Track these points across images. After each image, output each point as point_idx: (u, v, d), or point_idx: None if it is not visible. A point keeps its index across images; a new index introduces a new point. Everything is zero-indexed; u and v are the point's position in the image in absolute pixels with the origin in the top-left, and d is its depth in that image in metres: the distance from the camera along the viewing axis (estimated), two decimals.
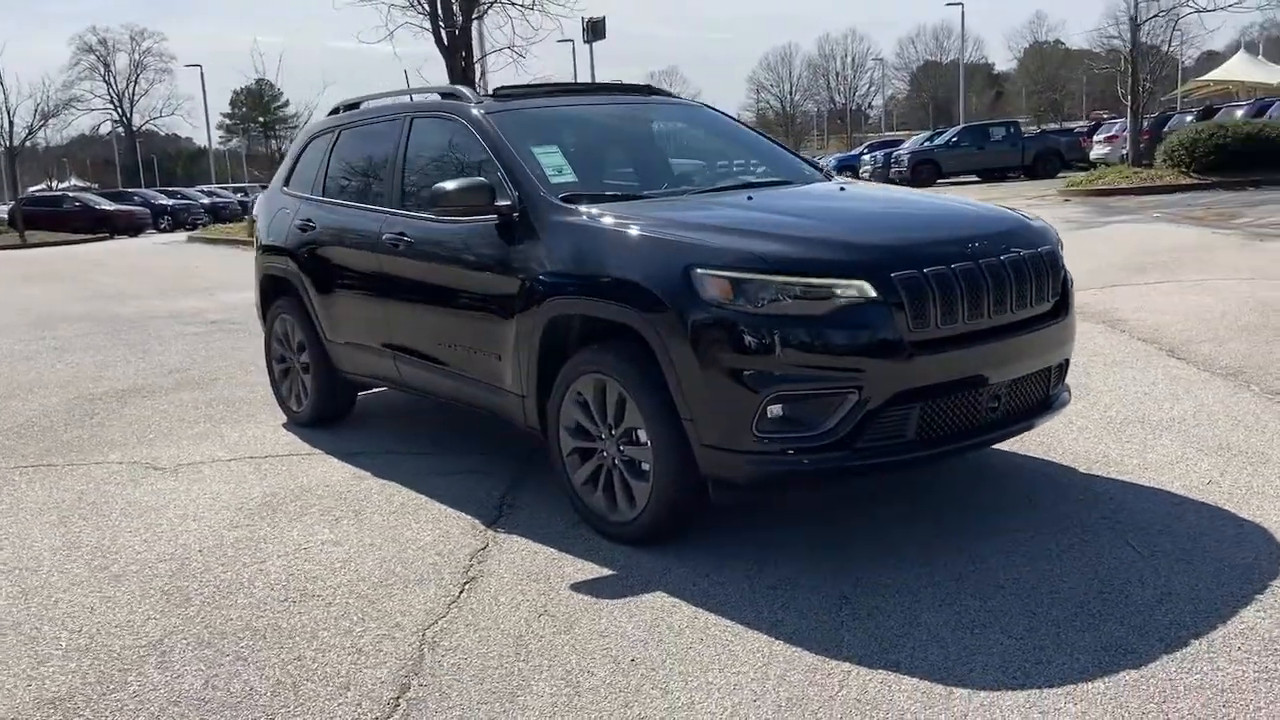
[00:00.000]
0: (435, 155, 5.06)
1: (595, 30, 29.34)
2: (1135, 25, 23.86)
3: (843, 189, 4.81)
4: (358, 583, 3.78)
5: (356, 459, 5.34)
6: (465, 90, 5.11)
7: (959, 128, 37.17)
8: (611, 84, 5.65)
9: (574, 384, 4.04)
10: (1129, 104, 24.24)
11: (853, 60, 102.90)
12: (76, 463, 5.58)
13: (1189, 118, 31.72)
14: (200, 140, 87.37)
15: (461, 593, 3.65)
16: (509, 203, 4.32)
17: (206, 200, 44.31)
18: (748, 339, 3.46)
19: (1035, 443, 4.78)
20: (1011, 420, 3.89)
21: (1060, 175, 30.65)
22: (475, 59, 16.94)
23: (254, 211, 6.62)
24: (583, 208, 4.17)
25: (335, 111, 6.18)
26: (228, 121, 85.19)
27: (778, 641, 3.15)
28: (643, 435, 3.82)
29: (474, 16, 16.40)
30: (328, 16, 79.84)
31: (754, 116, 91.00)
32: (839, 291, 3.46)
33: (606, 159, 4.92)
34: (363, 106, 5.98)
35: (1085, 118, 59.37)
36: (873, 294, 3.46)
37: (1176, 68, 48.19)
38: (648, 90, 5.69)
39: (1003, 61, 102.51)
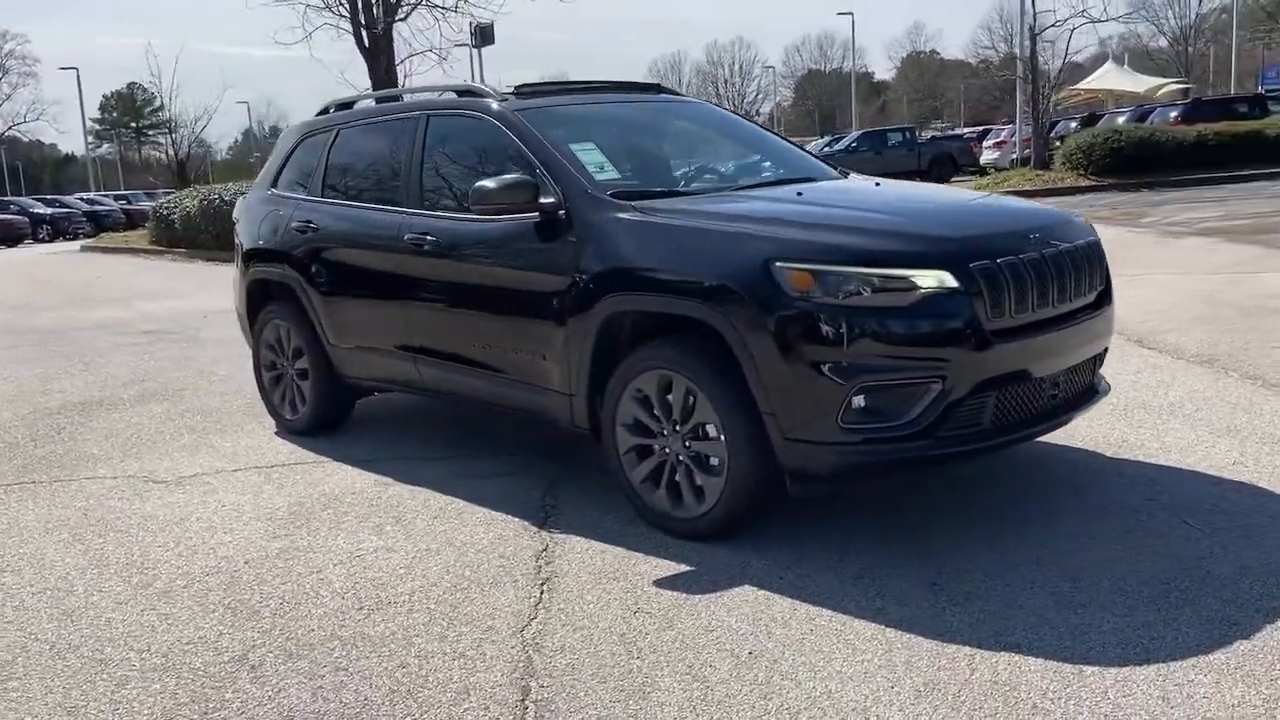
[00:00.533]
0: (460, 154, 4.97)
1: (484, 35, 29.17)
2: (1034, 35, 24.81)
3: (878, 184, 4.88)
4: (430, 588, 3.68)
5: (372, 465, 5.20)
6: (487, 88, 5.03)
7: (858, 133, 38.13)
8: (622, 82, 5.62)
9: (634, 380, 4.01)
10: (1031, 110, 25.16)
11: (741, 68, 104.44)
12: (63, 479, 5.30)
13: (1074, 124, 33.20)
14: (66, 146, 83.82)
15: (543, 594, 3.59)
16: (553, 200, 4.27)
17: (87, 208, 42.45)
18: (833, 331, 3.49)
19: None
20: (1068, 407, 4.01)
21: (954, 179, 31.67)
22: (397, 61, 16.67)
23: (235, 215, 6.38)
24: (636, 204, 4.15)
25: (324, 111, 6.02)
26: (97, 127, 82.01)
27: (889, 629, 3.18)
28: (712, 430, 3.82)
29: (395, 18, 16.12)
30: (218, 19, 77.39)
31: None
32: (920, 283, 3.51)
33: (641, 156, 4.89)
34: (358, 105, 5.83)
35: (964, 124, 61.63)
36: (954, 284, 3.52)
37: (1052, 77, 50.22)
38: (656, 89, 5.68)
39: (883, 70, 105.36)
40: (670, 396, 3.93)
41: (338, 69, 45.67)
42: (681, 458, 3.94)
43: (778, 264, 3.58)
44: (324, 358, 5.59)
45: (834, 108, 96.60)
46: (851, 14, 59.06)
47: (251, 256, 5.98)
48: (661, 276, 3.91)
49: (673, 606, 3.43)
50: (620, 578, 3.69)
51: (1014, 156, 32.75)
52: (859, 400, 3.52)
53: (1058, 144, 26.53)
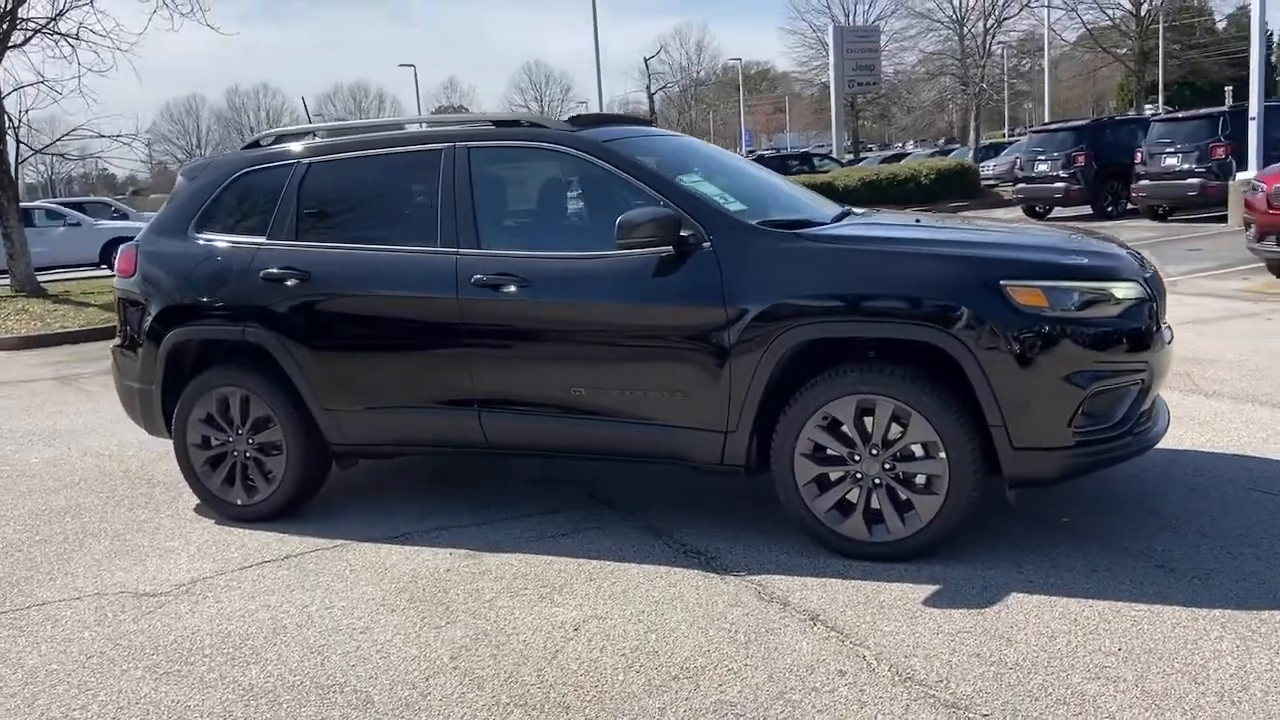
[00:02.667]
0: (536, 189, 4.56)
1: None
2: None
3: (918, 220, 5.12)
4: (709, 652, 3.34)
5: (418, 539, 4.55)
6: (550, 119, 4.66)
7: None
8: (625, 115, 5.42)
9: (824, 408, 3.94)
10: None
11: (268, 114, 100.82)
12: (45, 600, 4.14)
13: None
14: None
15: (842, 634, 3.41)
16: (691, 232, 4.10)
17: None
18: (1068, 342, 3.72)
19: None
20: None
21: None
22: (3, 94, 14.18)
23: (128, 266, 5.10)
24: (801, 233, 4.12)
25: (254, 145, 5.19)
26: None
27: (1198, 609, 3.43)
28: (919, 450, 3.88)
29: (6, 46, 13.71)
30: None
31: (152, 167, 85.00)
32: (1122, 294, 3.85)
33: (729, 187, 4.75)
34: (323, 137, 5.10)
35: None
36: (1143, 293, 3.91)
37: None
38: (648, 122, 5.57)
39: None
40: (868, 420, 3.92)
41: None
42: (880, 481, 3.94)
43: (1008, 282, 3.74)
44: (307, 425, 4.79)
45: None
46: (414, 66, 59.50)
47: (174, 316, 4.97)
48: (867, 303, 3.89)
49: (1004, 628, 3.35)
50: (905, 605, 3.57)
51: None
52: (1087, 405, 3.77)
53: None
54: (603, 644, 3.45)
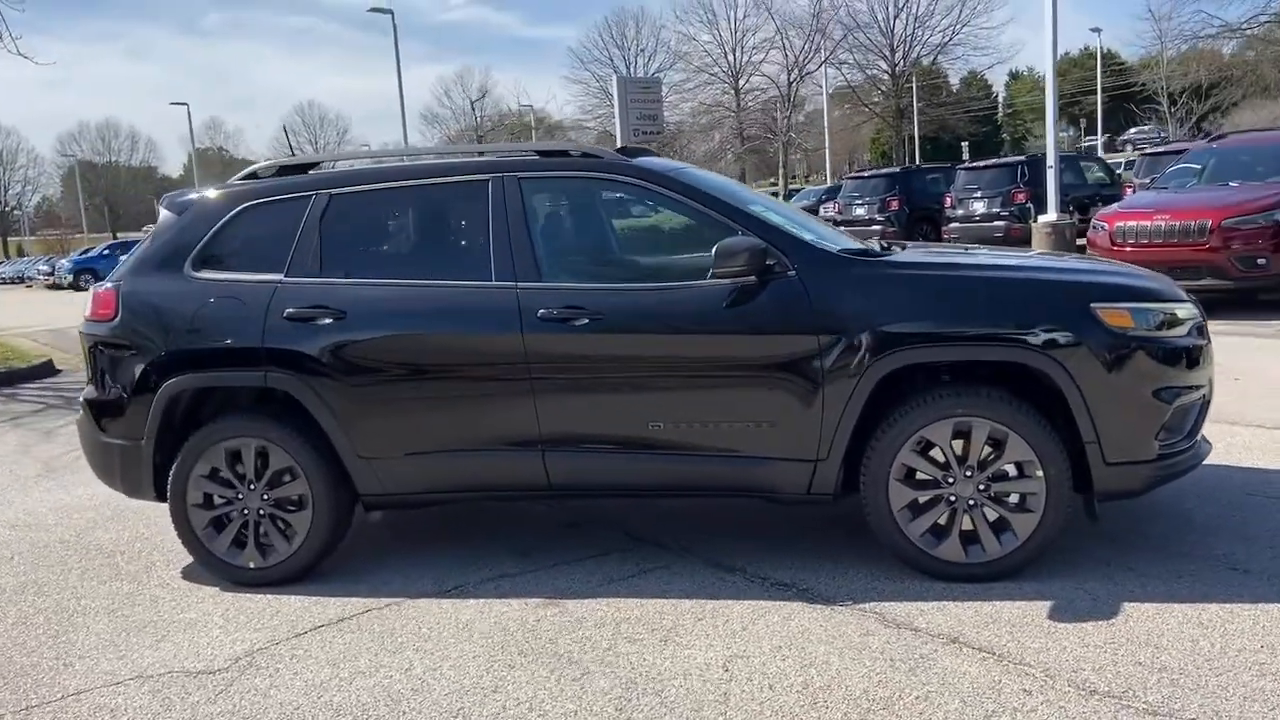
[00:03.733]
0: (593, 219, 4.40)
1: None
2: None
3: (966, 249, 5.30)
4: (883, 683, 3.28)
5: (475, 590, 4.27)
6: (603, 149, 4.51)
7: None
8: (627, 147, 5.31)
9: (919, 432, 4.00)
10: None
11: (3, 155, 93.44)
12: (80, 689, 3.60)
13: None
14: None
15: (1004, 663, 3.40)
16: (775, 261, 4.09)
17: None
18: (1152, 360, 3.94)
19: None
20: None
21: None
22: None
23: (105, 309, 4.46)
24: (883, 260, 4.19)
25: (251, 177, 4.79)
26: None
27: None
28: (1011, 470, 3.99)
29: None
30: None
31: None
32: (1182, 314, 4.12)
33: (790, 217, 4.71)
34: (333, 166, 4.75)
35: None
36: (1198, 315, 4.20)
37: None
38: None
39: (175, 167, 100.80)
40: (963, 442, 4.00)
41: None
42: (974, 502, 4.02)
43: (1098, 305, 3.93)
44: (337, 476, 4.43)
45: (119, 202, 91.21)
46: (187, 104, 56.64)
47: (173, 363, 4.48)
48: (966, 328, 3.98)
49: (1141, 633, 3.51)
50: (1033, 622, 3.64)
51: None
52: (1169, 419, 4.00)
53: None
54: (767, 683, 3.34)
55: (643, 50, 69.83)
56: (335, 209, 4.53)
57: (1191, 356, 4.09)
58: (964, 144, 66.48)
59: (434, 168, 4.60)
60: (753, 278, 4.05)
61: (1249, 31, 44.46)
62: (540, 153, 4.54)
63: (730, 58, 66.04)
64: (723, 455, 4.17)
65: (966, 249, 5.12)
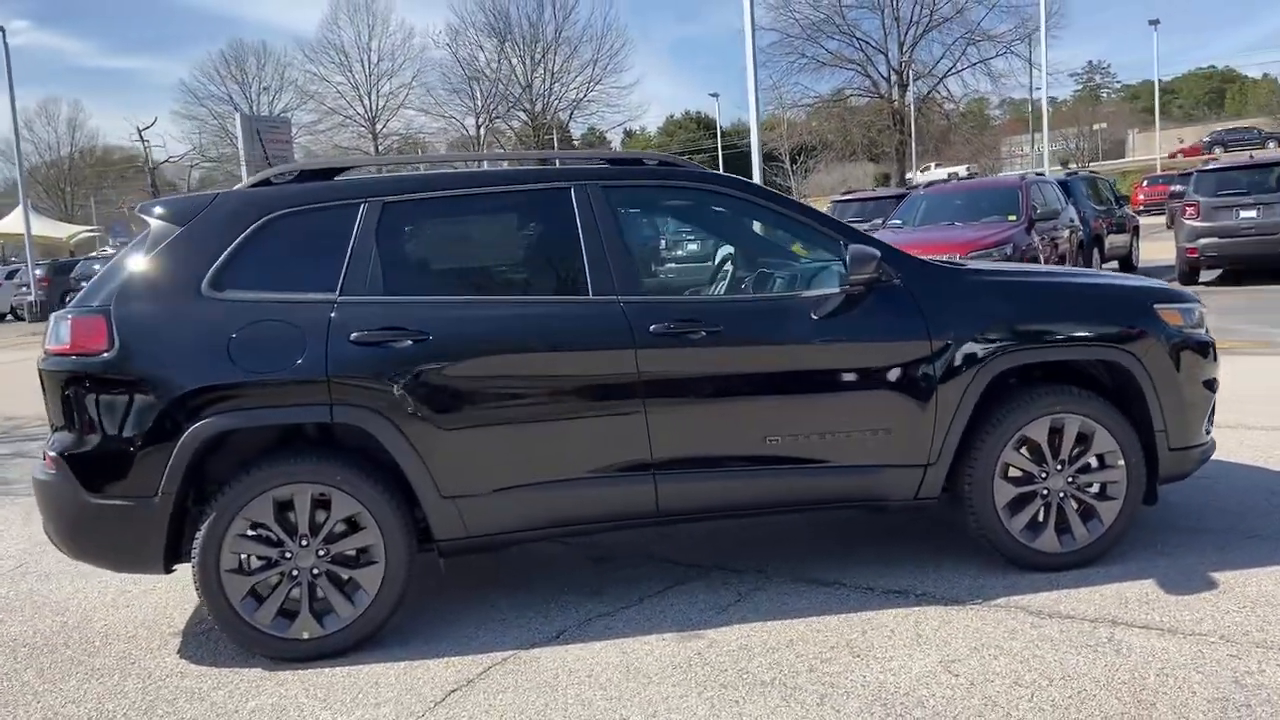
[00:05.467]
0: (693, 229, 4.17)
1: None
2: None
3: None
4: (1127, 681, 3.37)
5: (583, 633, 3.88)
6: (677, 158, 4.28)
7: None
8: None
9: (1021, 430, 4.18)
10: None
11: None
12: None
13: (96, 265, 31.98)
14: None
15: (1208, 641, 3.50)
16: (883, 270, 4.14)
17: None
18: (1199, 354, 4.40)
19: None
20: None
21: None
22: None
23: (94, 339, 3.40)
24: (968, 268, 4.35)
25: (265, 184, 4.11)
26: None
27: None
28: (1094, 461, 4.28)
29: None
30: None
31: None
32: (1199, 313, 4.63)
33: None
34: (378, 171, 4.14)
35: None
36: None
37: None
38: None
39: None
40: (1056, 438, 4.23)
41: None
42: (1064, 494, 4.26)
43: (1158, 305, 4.33)
44: (408, 523, 3.88)
45: None
46: None
47: (201, 400, 3.72)
48: (1062, 330, 4.22)
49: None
50: (1184, 600, 3.85)
51: (29, 300, 30.12)
52: (1212, 407, 4.47)
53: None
54: (1005, 681, 3.33)
55: (266, 88, 66.67)
56: (391, 219, 4.00)
57: (1215, 351, 4.59)
58: None
59: (504, 174, 4.21)
60: (862, 286, 4.07)
61: (840, 102, 50.57)
62: (611, 161, 4.28)
63: (366, 101, 64.99)
64: (839, 466, 4.12)
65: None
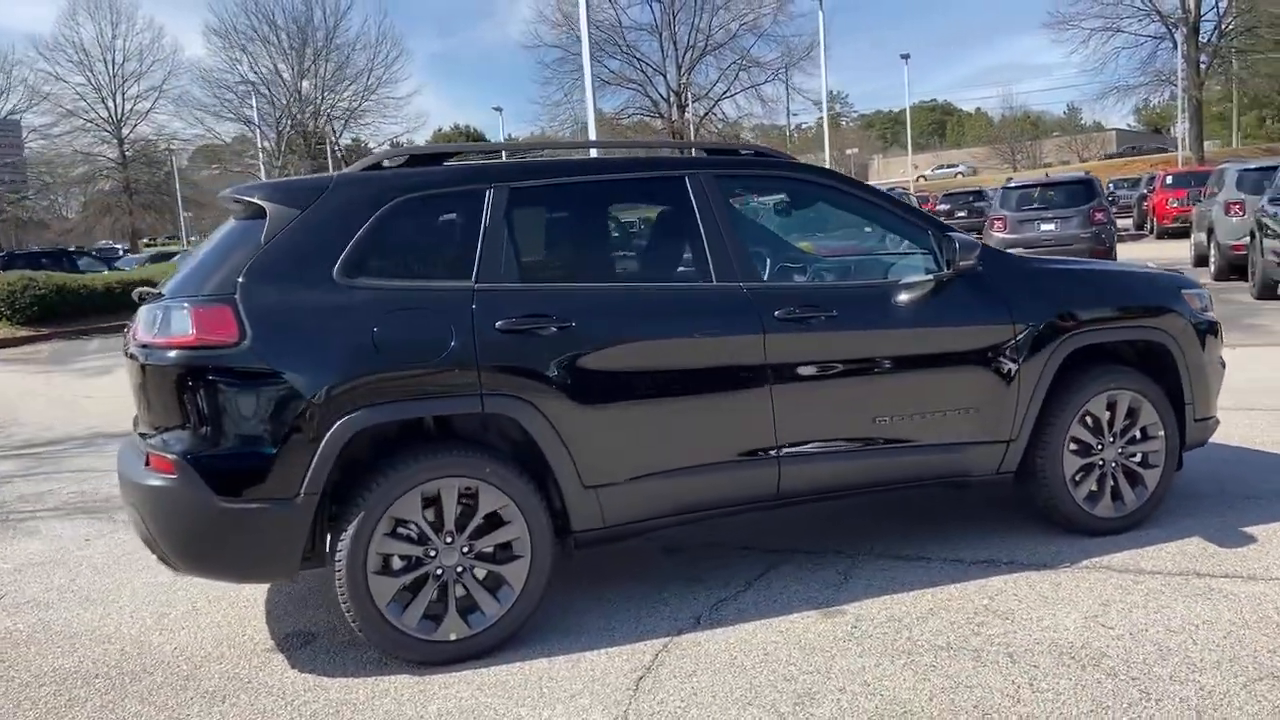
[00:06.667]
0: (794, 217, 4.26)
1: None
2: None
3: None
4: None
5: (723, 618, 3.91)
6: (771, 148, 4.35)
7: None
8: None
9: (1085, 406, 4.54)
10: None
11: None
12: None
13: None
14: None
15: None
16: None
17: None
18: (1215, 332, 4.91)
19: None
20: None
21: None
22: None
23: (223, 328, 2.95)
24: (1038, 258, 4.69)
25: (376, 167, 3.91)
26: None
27: None
28: (1138, 433, 4.70)
29: None
30: None
31: None
32: (1210, 296, 5.14)
33: None
34: (504, 156, 4.01)
35: None
36: None
37: None
38: None
39: None
40: (1112, 413, 4.62)
41: None
42: (1116, 464, 4.66)
43: (1184, 290, 4.81)
44: (554, 513, 3.81)
45: None
46: None
47: (349, 394, 3.50)
48: (1112, 310, 4.61)
49: None
50: (1254, 552, 4.29)
51: None
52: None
53: None
54: (1168, 628, 3.61)
55: None
56: (518, 203, 3.91)
57: (1222, 331, 5.12)
58: None
59: (622, 162, 4.16)
60: (949, 273, 4.31)
61: (622, 120, 51.70)
62: (710, 151, 4.33)
63: (110, 104, 60.79)
64: (936, 444, 4.33)
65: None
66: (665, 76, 51.41)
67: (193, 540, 3.54)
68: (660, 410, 3.93)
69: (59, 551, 5.43)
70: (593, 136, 16.81)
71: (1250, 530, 4.57)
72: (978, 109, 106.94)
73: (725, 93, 51.71)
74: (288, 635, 4.04)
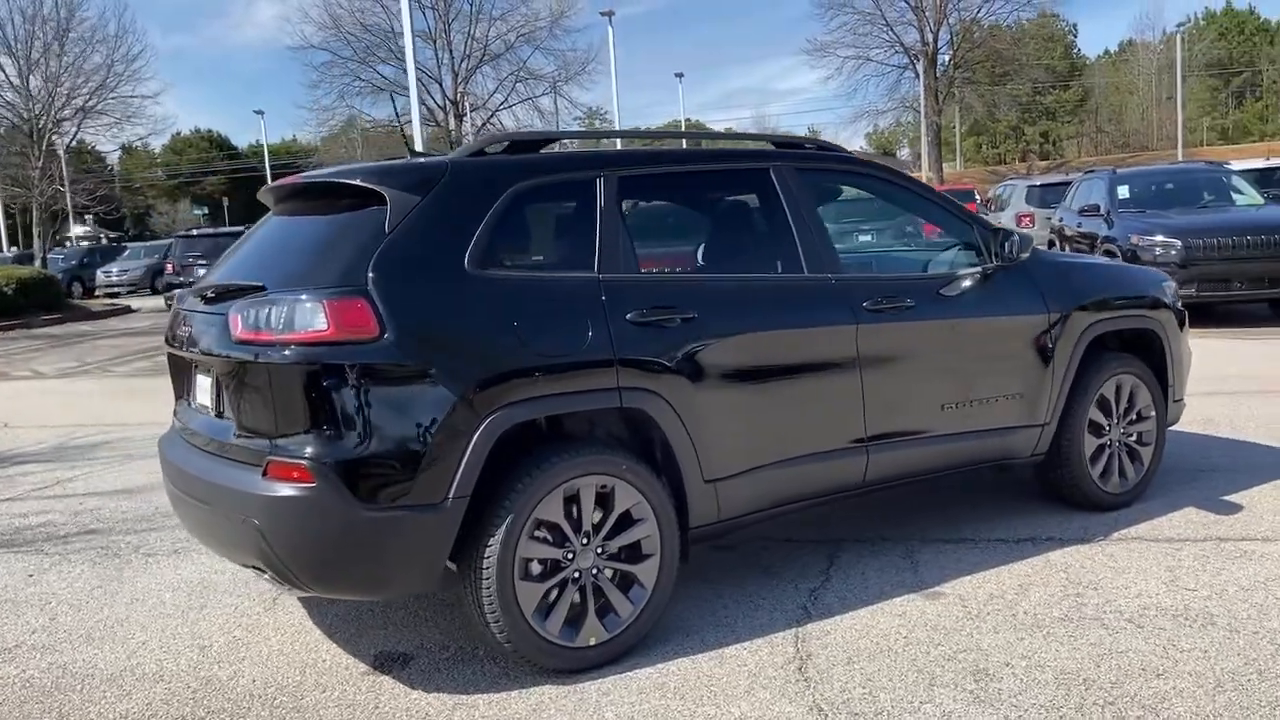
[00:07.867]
0: (859, 210, 4.32)
1: None
2: None
3: None
4: None
5: (829, 609, 3.94)
6: (830, 142, 4.39)
7: None
8: None
9: (1099, 389, 4.88)
10: None
11: None
12: None
13: None
14: None
15: None
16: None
17: None
18: (1184, 321, 5.39)
19: None
20: None
21: None
22: None
23: (362, 320, 2.51)
24: (1051, 253, 4.96)
25: (480, 154, 3.70)
26: None
27: None
28: (1137, 414, 5.09)
29: None
30: None
31: None
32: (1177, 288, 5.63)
33: None
34: (599, 144, 3.83)
35: None
36: None
37: None
38: None
39: None
40: (1120, 395, 4.97)
41: None
42: (1118, 443, 5.03)
43: (1164, 283, 5.26)
44: (680, 510, 3.73)
45: None
46: None
47: (494, 390, 3.28)
48: (1118, 300, 4.96)
49: None
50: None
51: None
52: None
53: None
54: (1262, 595, 3.89)
55: None
56: (626, 191, 3.80)
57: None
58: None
59: (714, 153, 4.11)
60: (994, 265, 4.54)
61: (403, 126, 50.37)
62: (776, 143, 4.36)
63: None
64: (991, 429, 4.53)
65: None
66: (440, 85, 50.60)
67: (330, 554, 3.21)
68: (772, 402, 3.91)
69: (7, 590, 4.77)
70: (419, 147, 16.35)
71: (1231, 498, 5.04)
72: (728, 128, 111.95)
73: (503, 104, 51.46)
74: (378, 656, 3.73)
